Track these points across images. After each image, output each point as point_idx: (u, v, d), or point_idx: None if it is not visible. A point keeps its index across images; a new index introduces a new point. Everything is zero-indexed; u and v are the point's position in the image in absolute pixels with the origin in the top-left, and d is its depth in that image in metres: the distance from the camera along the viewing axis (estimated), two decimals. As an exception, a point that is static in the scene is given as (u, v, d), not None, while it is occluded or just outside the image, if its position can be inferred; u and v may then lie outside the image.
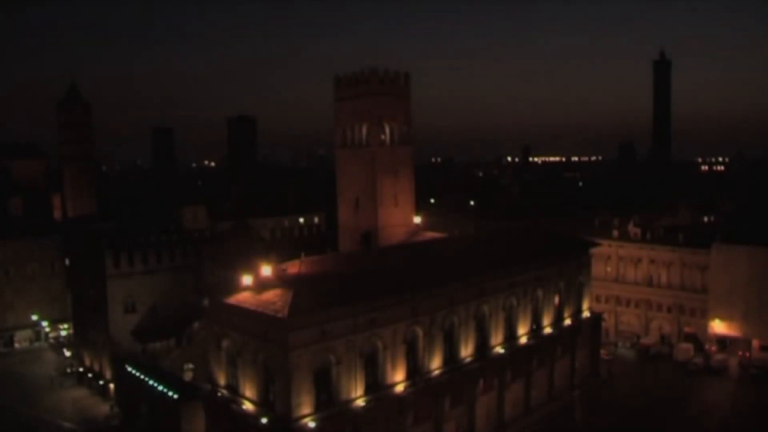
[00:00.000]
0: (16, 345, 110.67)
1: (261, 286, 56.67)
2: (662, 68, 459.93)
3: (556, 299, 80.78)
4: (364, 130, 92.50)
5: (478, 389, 67.02)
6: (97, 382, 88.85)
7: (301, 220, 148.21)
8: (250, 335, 55.31)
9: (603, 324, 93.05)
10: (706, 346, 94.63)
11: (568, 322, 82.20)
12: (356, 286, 58.46)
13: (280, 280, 56.70)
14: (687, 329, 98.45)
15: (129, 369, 78.79)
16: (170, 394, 69.19)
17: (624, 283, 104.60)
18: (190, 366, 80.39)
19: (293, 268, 59.90)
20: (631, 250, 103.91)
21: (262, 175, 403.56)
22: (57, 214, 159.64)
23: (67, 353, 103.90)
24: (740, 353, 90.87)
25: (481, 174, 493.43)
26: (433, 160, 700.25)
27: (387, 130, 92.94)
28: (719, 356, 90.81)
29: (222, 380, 59.40)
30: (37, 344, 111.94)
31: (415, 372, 61.68)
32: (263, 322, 53.05)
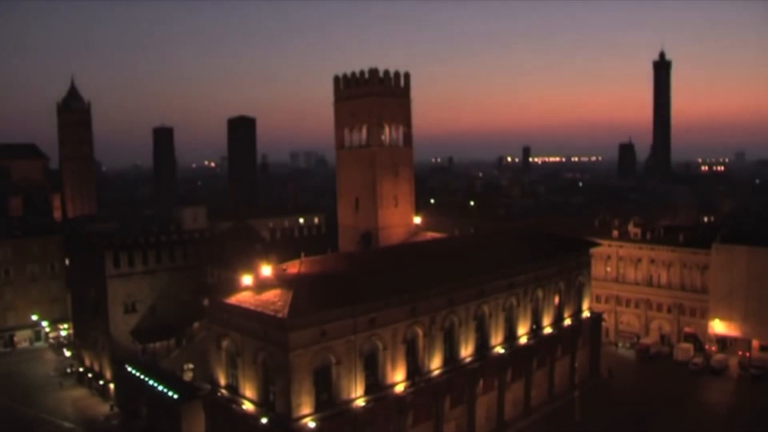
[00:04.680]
0: (16, 345, 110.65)
1: (261, 286, 56.67)
2: (662, 68, 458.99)
3: (556, 299, 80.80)
4: (364, 130, 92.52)
5: (478, 389, 66.98)
6: (97, 382, 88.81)
7: (301, 220, 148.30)
8: (250, 335, 55.31)
9: (603, 324, 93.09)
10: (706, 346, 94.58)
11: (568, 322, 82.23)
12: (356, 286, 58.43)
13: (280, 280, 56.71)
14: (687, 329, 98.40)
15: (129, 369, 78.79)
16: (170, 394, 69.19)
17: (624, 283, 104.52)
18: (190, 366, 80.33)
19: (293, 268, 59.92)
20: (631, 250, 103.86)
21: (261, 175, 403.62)
22: (57, 214, 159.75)
23: (67, 353, 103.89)
24: (740, 353, 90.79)
25: (481, 174, 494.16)
26: (433, 160, 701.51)
27: (387, 130, 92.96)
28: (719, 356, 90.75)
29: (222, 380, 59.41)
30: (37, 344, 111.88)
31: (415, 372, 61.66)
32: (263, 322, 53.06)
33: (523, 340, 74.28)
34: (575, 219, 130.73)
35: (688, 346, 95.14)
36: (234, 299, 57.05)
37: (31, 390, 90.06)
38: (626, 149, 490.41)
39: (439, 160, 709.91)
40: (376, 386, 58.07)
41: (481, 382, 67.24)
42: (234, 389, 57.98)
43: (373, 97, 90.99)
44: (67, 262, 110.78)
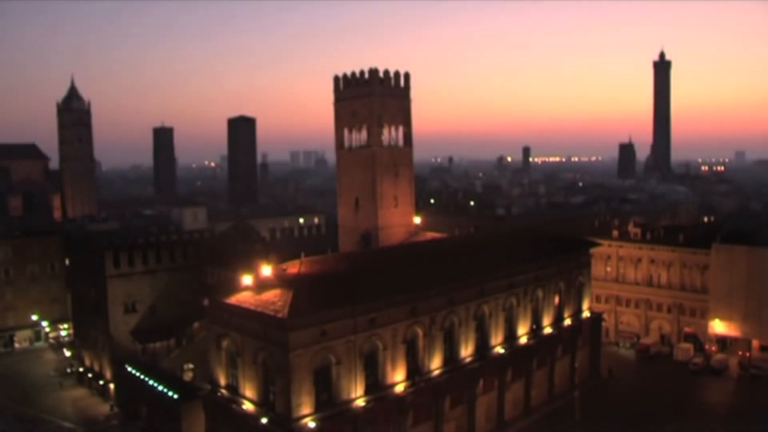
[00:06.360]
0: (16, 345, 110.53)
1: (261, 286, 56.68)
2: (662, 68, 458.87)
3: (556, 299, 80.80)
4: (364, 130, 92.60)
5: (478, 389, 66.99)
6: (97, 382, 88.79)
7: (301, 220, 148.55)
8: (250, 335, 55.31)
9: (603, 324, 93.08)
10: (706, 346, 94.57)
11: (568, 322, 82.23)
12: (356, 286, 58.43)
13: (280, 280, 56.71)
14: (687, 329, 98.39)
15: (129, 369, 78.75)
16: (170, 394, 69.15)
17: (624, 283, 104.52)
18: (190, 366, 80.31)
19: (293, 268, 59.93)
20: (631, 250, 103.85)
21: (261, 175, 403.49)
22: (57, 214, 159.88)
23: (67, 353, 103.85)
24: (740, 353, 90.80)
25: (481, 174, 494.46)
26: (433, 160, 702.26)
27: (387, 130, 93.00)
28: (719, 356, 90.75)
29: (222, 380, 59.41)
30: (37, 344, 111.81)
31: (415, 372, 61.66)
32: (263, 322, 53.06)
33: (523, 340, 74.27)
34: (575, 219, 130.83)
35: (688, 346, 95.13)
36: (234, 299, 57.05)
37: (31, 390, 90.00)
38: (626, 149, 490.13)
39: (439, 160, 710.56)
40: (376, 386, 58.07)
41: (481, 382, 67.24)
42: (234, 389, 57.98)
43: (373, 97, 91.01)
44: (67, 262, 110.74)
